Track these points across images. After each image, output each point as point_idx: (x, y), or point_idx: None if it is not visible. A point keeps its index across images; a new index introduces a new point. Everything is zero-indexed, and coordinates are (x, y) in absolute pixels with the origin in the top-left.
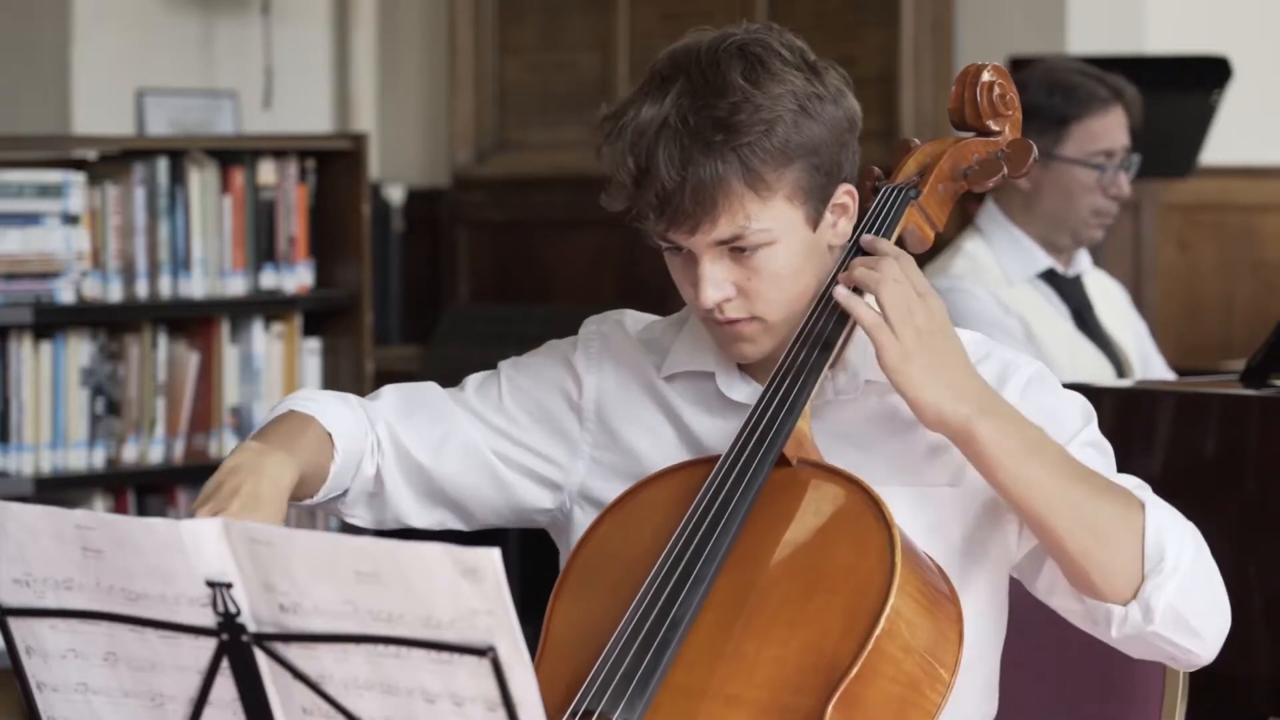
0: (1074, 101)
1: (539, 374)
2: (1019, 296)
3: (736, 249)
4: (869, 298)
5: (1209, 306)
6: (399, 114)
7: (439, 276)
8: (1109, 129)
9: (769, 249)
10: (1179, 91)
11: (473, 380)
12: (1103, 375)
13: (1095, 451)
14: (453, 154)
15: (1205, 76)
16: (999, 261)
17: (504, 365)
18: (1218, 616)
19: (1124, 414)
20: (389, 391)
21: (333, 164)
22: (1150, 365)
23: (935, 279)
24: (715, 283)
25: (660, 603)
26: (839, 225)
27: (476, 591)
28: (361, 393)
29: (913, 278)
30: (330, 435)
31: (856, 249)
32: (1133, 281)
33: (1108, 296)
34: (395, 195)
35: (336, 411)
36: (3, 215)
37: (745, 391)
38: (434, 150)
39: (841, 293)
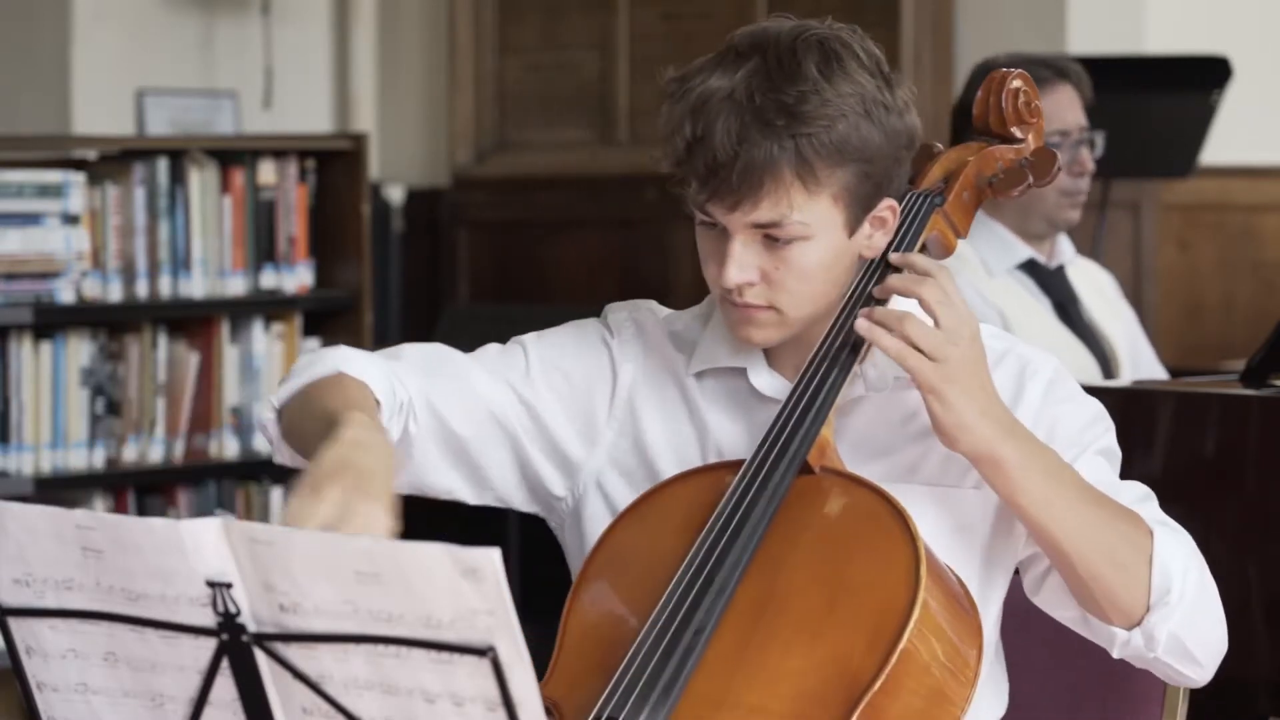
0: None
1: (572, 354)
2: (999, 288)
3: (771, 237)
4: (907, 303)
5: (1209, 306)
6: (399, 114)
7: (439, 276)
8: (1058, 108)
9: (803, 244)
10: (1179, 91)
11: (493, 350)
12: (1086, 369)
13: (1106, 460)
14: (453, 154)
15: (1205, 76)
16: (979, 254)
17: (528, 340)
18: (1217, 642)
19: (1124, 414)
20: (414, 352)
21: (333, 164)
22: (1140, 354)
23: None
24: (741, 265)
25: (683, 609)
26: (874, 238)
27: (476, 591)
28: None
29: (953, 295)
30: (379, 403)
31: (884, 266)
32: (1133, 281)
33: (1095, 285)
34: (395, 195)
35: (379, 378)
36: (3, 215)
37: (774, 385)
38: (434, 150)
39: (863, 325)
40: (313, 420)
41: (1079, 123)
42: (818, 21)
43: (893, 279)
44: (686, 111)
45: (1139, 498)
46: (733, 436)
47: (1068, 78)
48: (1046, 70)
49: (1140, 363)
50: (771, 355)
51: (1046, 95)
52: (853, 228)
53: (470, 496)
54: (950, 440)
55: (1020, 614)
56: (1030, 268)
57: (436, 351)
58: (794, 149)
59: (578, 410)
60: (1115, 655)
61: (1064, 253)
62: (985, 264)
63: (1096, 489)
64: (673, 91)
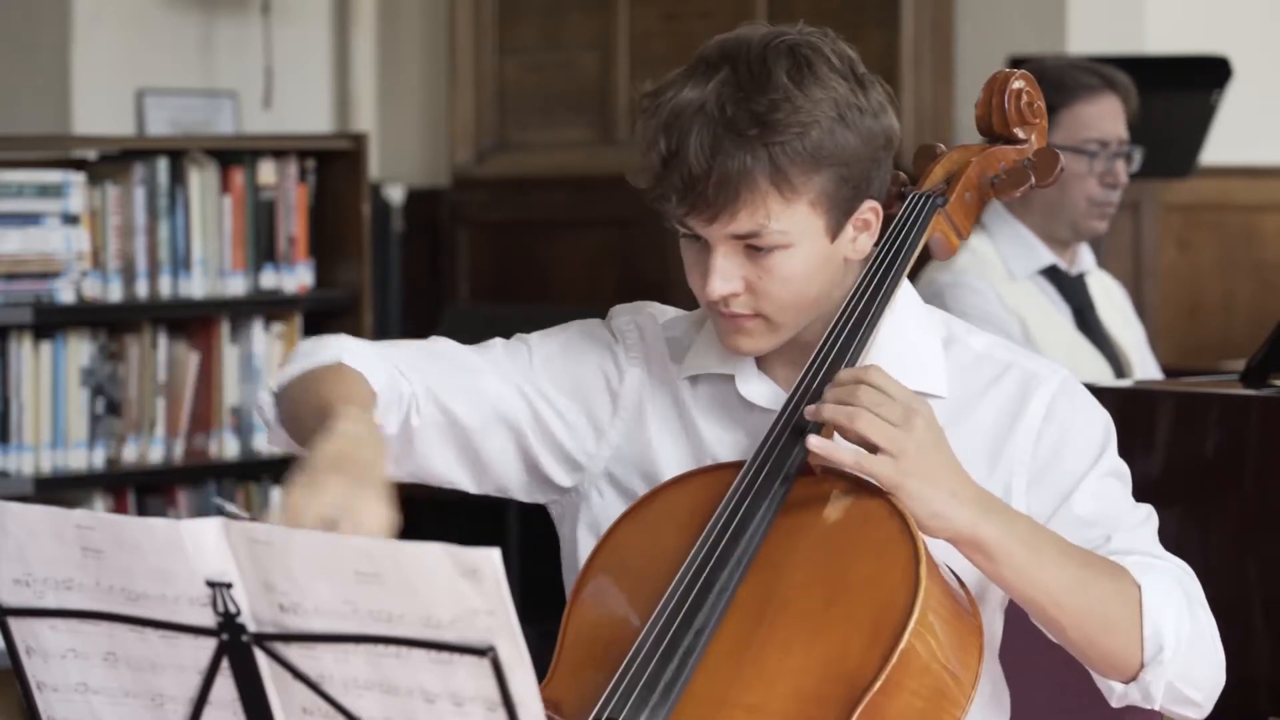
0: (1061, 90)
1: (577, 352)
2: (1020, 292)
3: (752, 246)
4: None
5: (1209, 306)
6: (399, 114)
7: (439, 276)
8: (1101, 116)
9: (784, 252)
10: (1179, 91)
11: (499, 346)
12: (1102, 376)
13: (1115, 481)
14: (453, 154)
15: (1205, 76)
16: (1002, 256)
17: (534, 339)
18: (1214, 681)
19: (1124, 414)
20: (421, 345)
21: (333, 164)
22: (1147, 368)
23: (940, 274)
24: (725, 276)
25: (683, 611)
26: (859, 241)
27: (476, 591)
28: None
29: (891, 390)
30: (375, 394)
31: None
32: (1133, 281)
33: (1110, 297)
34: (395, 195)
35: (380, 371)
36: (3, 215)
37: (763, 393)
38: (434, 150)
39: (815, 442)
40: (309, 409)
41: (1119, 135)
42: (789, 26)
43: (826, 411)
44: (660, 127)
45: (1139, 522)
46: (726, 444)
47: (1114, 89)
48: (1095, 79)
49: (1146, 375)
50: (762, 359)
51: (1091, 103)
52: (834, 232)
53: (472, 486)
54: (928, 530)
55: (1018, 616)
56: (1052, 273)
57: (442, 346)
58: (768, 158)
59: (583, 408)
60: (1114, 705)
61: (1085, 261)
62: (1008, 267)
63: (1078, 549)
64: (646, 107)
